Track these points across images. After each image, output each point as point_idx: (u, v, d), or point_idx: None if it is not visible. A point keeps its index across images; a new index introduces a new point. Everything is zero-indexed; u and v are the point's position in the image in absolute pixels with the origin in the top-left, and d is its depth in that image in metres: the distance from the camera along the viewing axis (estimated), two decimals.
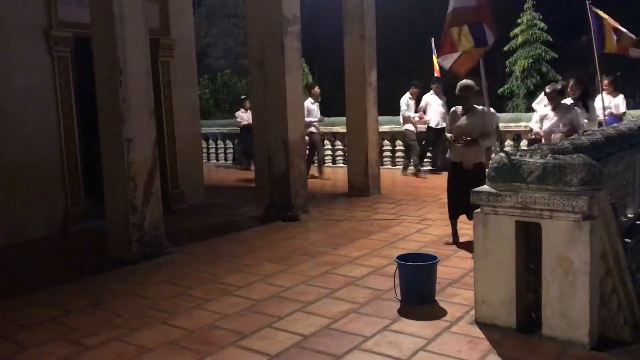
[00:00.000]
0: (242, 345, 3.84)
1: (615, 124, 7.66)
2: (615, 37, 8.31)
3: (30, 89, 7.21)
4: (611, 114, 9.43)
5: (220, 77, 31.77)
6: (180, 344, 3.89)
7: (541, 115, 7.84)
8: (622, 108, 9.56)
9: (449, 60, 4.83)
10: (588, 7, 8.15)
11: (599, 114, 8.54)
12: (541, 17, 28.17)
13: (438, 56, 5.28)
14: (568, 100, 7.81)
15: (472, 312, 4.12)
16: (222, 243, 6.68)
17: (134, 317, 4.41)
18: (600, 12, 8.36)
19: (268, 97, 7.83)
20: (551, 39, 27.95)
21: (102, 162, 6.18)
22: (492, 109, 6.49)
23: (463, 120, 5.99)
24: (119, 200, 6.01)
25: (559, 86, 7.57)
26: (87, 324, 4.28)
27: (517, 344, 3.71)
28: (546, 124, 7.31)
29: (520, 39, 28.27)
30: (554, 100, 7.33)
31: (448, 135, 6.19)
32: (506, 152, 4.03)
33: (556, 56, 27.82)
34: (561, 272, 3.64)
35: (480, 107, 6.08)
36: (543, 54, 27.91)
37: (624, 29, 8.40)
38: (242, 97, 15.13)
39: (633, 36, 8.48)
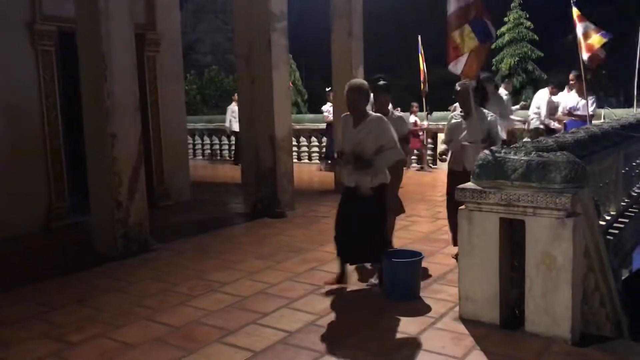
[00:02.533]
0: (227, 341, 3.84)
1: (575, 128, 6.75)
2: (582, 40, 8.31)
3: (13, 84, 7.12)
4: (570, 113, 8.96)
5: (207, 73, 31.64)
6: (165, 341, 3.87)
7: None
8: (590, 109, 8.69)
9: (459, 66, 4.76)
10: (573, 5, 8.21)
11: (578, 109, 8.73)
12: (527, 15, 28.37)
13: (447, 64, 4.99)
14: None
15: (457, 308, 4.15)
16: (208, 239, 6.66)
17: (119, 313, 4.39)
18: (575, 11, 8.36)
19: (255, 93, 7.81)
20: (537, 38, 28.16)
21: (86, 158, 6.13)
22: (398, 113, 5.83)
23: (352, 132, 4.61)
24: (103, 196, 5.97)
25: (469, 84, 5.33)
26: (71, 321, 4.25)
27: (500, 340, 3.74)
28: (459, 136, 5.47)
29: (506, 38, 28.48)
30: (466, 104, 5.35)
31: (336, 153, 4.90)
32: (491, 150, 4.06)
33: (542, 55, 28.03)
34: (544, 269, 3.67)
35: (383, 113, 4.96)
36: (529, 53, 28.13)
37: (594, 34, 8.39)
38: (327, 89, 12.81)
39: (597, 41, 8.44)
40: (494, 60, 28.86)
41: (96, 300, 4.71)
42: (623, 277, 6.77)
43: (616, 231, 6.15)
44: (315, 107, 15.39)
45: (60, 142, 7.64)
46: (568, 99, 9.18)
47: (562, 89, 9.81)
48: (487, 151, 4.06)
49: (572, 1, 8.17)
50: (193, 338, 3.90)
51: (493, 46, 28.43)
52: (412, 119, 11.86)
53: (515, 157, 3.83)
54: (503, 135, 5.30)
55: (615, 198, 6.52)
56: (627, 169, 7.19)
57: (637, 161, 7.89)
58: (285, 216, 7.62)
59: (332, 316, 4.22)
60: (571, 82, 8.98)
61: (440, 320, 4.08)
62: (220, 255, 5.93)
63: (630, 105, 12.13)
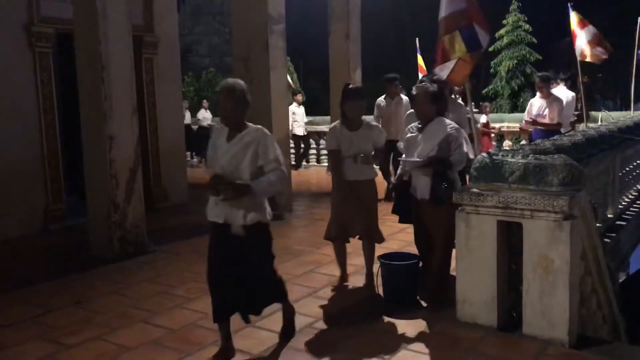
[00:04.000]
0: None
1: (540, 140, 5.87)
2: (585, 40, 8.37)
3: (10, 85, 7.11)
4: (535, 121, 7.77)
5: (204, 75, 31.61)
6: (161, 343, 3.86)
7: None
8: (557, 117, 7.68)
9: (445, 71, 4.74)
10: (570, 9, 8.24)
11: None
12: (526, 18, 28.41)
13: (434, 67, 4.90)
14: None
15: (454, 311, 4.14)
16: (205, 241, 6.57)
17: (115, 316, 4.38)
18: (574, 15, 8.40)
19: (252, 95, 7.75)
20: (535, 41, 28.20)
21: (83, 160, 6.12)
22: (260, 127, 3.51)
23: (224, 147, 3.53)
24: (100, 198, 5.96)
25: (429, 87, 4.41)
26: (68, 323, 4.24)
27: (497, 343, 3.74)
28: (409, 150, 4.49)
29: (505, 40, 28.49)
30: (424, 111, 4.39)
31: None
32: (488, 152, 4.06)
33: (540, 58, 28.07)
34: (542, 272, 3.67)
35: (355, 122, 4.66)
36: (527, 55, 28.14)
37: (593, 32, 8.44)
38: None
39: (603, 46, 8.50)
40: (492, 62, 28.88)
41: (93, 302, 4.70)
42: (620, 280, 6.77)
43: (613, 234, 6.15)
44: (313, 109, 15.40)
45: (58, 144, 7.62)
46: (534, 105, 7.99)
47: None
48: (484, 153, 4.06)
49: (569, 5, 8.19)
50: (190, 340, 3.89)
51: (491, 49, 28.49)
52: (484, 119, 11.57)
53: (513, 159, 3.84)
54: (470, 152, 4.30)
55: (612, 200, 6.52)
56: (624, 171, 7.20)
57: (634, 164, 7.90)
58: (282, 218, 7.60)
59: (329, 319, 4.21)
60: (537, 86, 7.99)
61: (437, 323, 4.07)
62: None
63: (627, 108, 12.16)
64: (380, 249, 5.58)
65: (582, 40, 8.41)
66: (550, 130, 7.44)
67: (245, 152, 3.44)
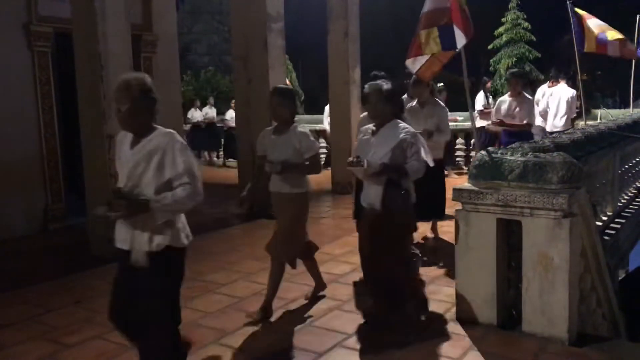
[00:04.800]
0: (224, 343, 3.83)
1: (513, 144, 4.77)
2: (598, 38, 8.37)
3: (9, 85, 7.10)
4: (502, 122, 7.23)
5: (203, 74, 31.60)
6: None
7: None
8: (533, 118, 7.35)
9: (416, 64, 4.80)
10: (569, 6, 8.23)
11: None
12: (525, 16, 28.42)
13: (407, 58, 4.91)
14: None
15: (454, 309, 4.15)
16: (205, 241, 6.64)
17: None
18: (580, 11, 8.43)
19: (252, 94, 7.81)
20: (535, 39, 28.22)
21: (83, 159, 6.11)
22: (170, 131, 2.87)
23: (127, 156, 2.97)
24: (100, 198, 5.94)
25: (385, 85, 3.90)
26: (68, 323, 4.24)
27: (497, 341, 3.75)
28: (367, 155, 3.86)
29: (504, 38, 28.52)
30: (378, 112, 3.91)
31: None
32: (487, 150, 4.06)
33: (539, 55, 28.09)
34: (541, 269, 3.68)
35: (283, 125, 4.22)
36: (527, 53, 28.18)
37: (604, 25, 8.46)
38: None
39: (619, 35, 8.52)
40: (491, 61, 28.90)
41: (93, 302, 4.69)
42: (620, 278, 6.78)
43: (613, 231, 6.16)
44: (312, 108, 15.43)
45: (57, 144, 7.62)
46: (503, 104, 7.41)
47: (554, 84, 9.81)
48: (483, 151, 4.06)
49: (568, 2, 8.19)
50: (190, 339, 3.88)
51: (491, 47, 28.54)
52: (481, 100, 11.43)
53: (512, 157, 3.84)
54: (429, 159, 3.81)
55: (611, 198, 6.53)
56: (623, 169, 7.21)
57: (634, 161, 7.90)
58: None
59: (329, 317, 4.21)
60: (509, 83, 7.46)
61: (437, 321, 4.08)
62: (217, 256, 5.91)
63: (627, 106, 12.16)
64: None
65: (593, 33, 8.40)
66: (520, 131, 6.92)
67: (148, 161, 2.83)
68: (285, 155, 4.12)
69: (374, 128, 3.91)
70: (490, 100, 10.69)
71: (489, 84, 11.42)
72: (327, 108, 11.02)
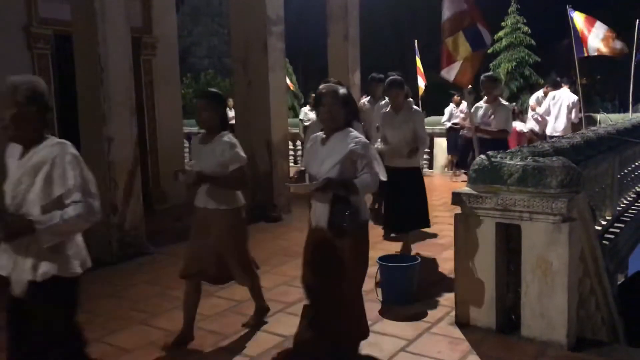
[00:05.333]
0: (222, 346, 3.83)
1: (516, 148, 4.97)
2: (599, 37, 8.37)
3: None
4: (478, 128, 6.42)
5: (203, 76, 31.61)
6: (160, 345, 3.85)
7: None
8: (510, 125, 6.85)
9: (452, 72, 4.74)
10: (568, 11, 8.25)
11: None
12: (525, 21, 28.45)
13: (440, 70, 4.89)
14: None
15: (453, 313, 4.15)
16: None
17: (114, 317, 4.37)
18: (579, 15, 8.44)
19: (251, 97, 7.81)
20: (534, 43, 28.24)
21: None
22: (61, 141, 2.59)
23: (13, 169, 2.63)
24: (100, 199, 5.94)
25: (341, 89, 3.45)
26: None
27: (496, 345, 3.74)
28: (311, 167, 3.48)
29: (504, 42, 28.52)
30: (330, 118, 3.39)
31: None
32: (487, 155, 4.06)
33: (539, 59, 28.11)
34: (540, 274, 3.68)
35: (208, 132, 3.86)
36: (526, 58, 28.19)
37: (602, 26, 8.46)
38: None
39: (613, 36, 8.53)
40: (491, 65, 28.91)
41: (91, 304, 4.68)
42: (619, 282, 6.78)
43: (612, 236, 6.16)
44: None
45: None
46: (478, 110, 6.87)
47: (556, 88, 9.84)
48: (483, 156, 4.06)
49: (568, 7, 8.21)
50: (188, 342, 3.88)
51: (490, 51, 28.51)
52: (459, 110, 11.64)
53: (511, 161, 3.84)
54: (381, 173, 3.36)
55: (611, 202, 6.53)
56: (622, 173, 7.21)
57: (633, 165, 7.91)
58: (281, 220, 7.61)
59: None
60: (484, 88, 6.82)
61: (436, 325, 4.07)
62: None
63: (626, 110, 12.17)
64: (379, 251, 5.57)
65: (596, 37, 8.40)
66: (496, 139, 6.45)
67: (33, 176, 2.46)
68: (208, 166, 3.74)
69: (324, 136, 3.43)
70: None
71: (458, 98, 11.54)
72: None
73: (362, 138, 3.36)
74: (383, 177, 3.38)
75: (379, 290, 4.60)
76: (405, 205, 5.44)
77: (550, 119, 9.56)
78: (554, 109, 9.51)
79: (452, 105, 11.54)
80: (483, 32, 4.59)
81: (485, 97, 6.83)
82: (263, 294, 4.24)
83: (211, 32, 38.46)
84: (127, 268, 5.68)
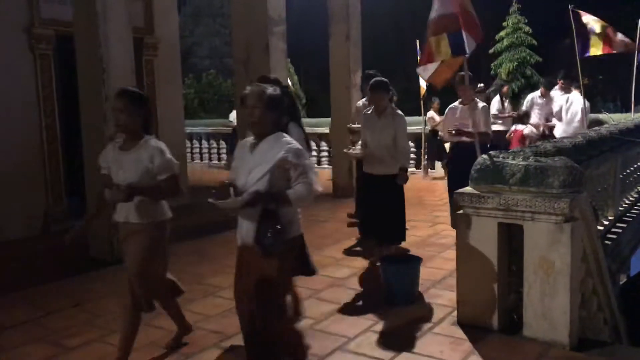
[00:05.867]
0: (224, 346, 3.83)
1: (517, 149, 4.95)
2: (603, 35, 8.35)
3: (11, 87, 7.11)
4: (460, 132, 6.11)
5: (204, 77, 31.65)
6: (161, 345, 3.85)
7: None
8: (483, 125, 6.14)
9: (427, 72, 4.81)
10: (570, 11, 8.23)
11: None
12: (526, 20, 28.44)
13: (417, 67, 4.91)
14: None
15: (455, 313, 4.14)
16: (205, 244, 6.65)
17: (115, 318, 4.35)
18: (583, 14, 8.42)
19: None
20: (536, 43, 28.24)
21: (84, 162, 6.12)
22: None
23: None
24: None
25: (269, 89, 3.08)
26: (68, 325, 4.24)
27: (498, 345, 3.74)
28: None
29: (505, 42, 28.52)
30: (258, 122, 3.05)
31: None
32: (489, 154, 4.06)
33: (540, 60, 28.10)
34: (542, 274, 3.67)
35: (130, 136, 3.43)
36: (528, 58, 28.18)
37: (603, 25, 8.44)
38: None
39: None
40: (492, 65, 28.91)
41: (93, 304, 4.69)
42: (621, 282, 6.76)
43: (614, 236, 6.15)
44: (313, 112, 15.45)
45: (58, 146, 7.63)
46: (454, 112, 6.43)
47: (550, 89, 9.80)
48: (485, 155, 4.05)
49: (570, 6, 8.19)
50: (190, 342, 3.88)
51: (492, 51, 28.54)
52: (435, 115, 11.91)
53: (514, 161, 3.83)
54: (317, 184, 3.04)
55: (613, 202, 6.52)
56: (625, 173, 7.20)
57: (635, 165, 7.90)
58: None
59: (330, 321, 4.21)
60: (460, 89, 6.28)
61: (438, 325, 4.07)
62: (218, 259, 5.91)
63: (628, 110, 12.15)
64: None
65: (600, 36, 8.37)
66: (479, 142, 5.64)
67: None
68: (132, 176, 3.32)
69: (253, 141, 3.06)
70: (506, 104, 10.80)
71: (505, 89, 11.54)
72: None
73: (295, 144, 3.00)
74: (318, 189, 3.03)
75: (382, 290, 4.60)
76: (381, 215, 5.28)
77: (563, 121, 9.42)
78: (570, 112, 9.41)
79: (431, 111, 11.86)
80: (467, 39, 4.57)
81: (461, 99, 6.30)
82: (183, 313, 3.88)
83: (213, 32, 38.48)
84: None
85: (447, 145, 11.90)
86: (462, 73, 5.65)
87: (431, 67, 4.75)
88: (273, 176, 2.93)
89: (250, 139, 3.10)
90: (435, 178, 11.39)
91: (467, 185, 4.06)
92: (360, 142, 5.66)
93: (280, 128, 3.08)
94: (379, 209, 5.31)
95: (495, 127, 10.21)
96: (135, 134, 3.40)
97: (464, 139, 6.01)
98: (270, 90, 3.03)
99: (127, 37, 6.04)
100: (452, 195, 5.30)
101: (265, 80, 3.91)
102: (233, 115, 14.47)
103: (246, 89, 3.12)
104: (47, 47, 7.46)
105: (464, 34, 4.54)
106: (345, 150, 5.94)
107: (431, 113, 11.98)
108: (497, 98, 10.89)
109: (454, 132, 6.12)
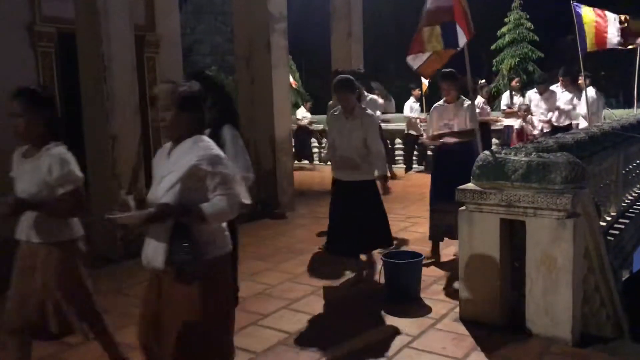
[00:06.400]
0: None
1: (519, 144, 4.99)
2: (606, 33, 8.31)
3: (12, 85, 7.09)
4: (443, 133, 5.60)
5: None
6: None
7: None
8: (468, 122, 5.51)
9: (417, 61, 4.77)
10: (573, 7, 8.21)
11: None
12: (528, 16, 28.39)
13: (407, 55, 4.84)
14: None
15: (457, 309, 4.15)
16: None
17: (119, 315, 4.37)
18: (587, 9, 8.39)
19: (255, 94, 7.81)
20: (537, 39, 28.18)
21: (86, 160, 6.12)
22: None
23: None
24: (103, 198, 5.96)
25: (182, 87, 2.65)
26: None
27: (501, 341, 3.74)
28: None
29: (507, 38, 28.48)
30: (169, 124, 2.67)
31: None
32: (491, 150, 4.05)
33: (542, 55, 28.04)
34: (545, 270, 3.67)
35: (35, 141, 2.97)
36: (529, 53, 28.14)
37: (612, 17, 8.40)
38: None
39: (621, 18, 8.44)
40: (494, 61, 28.87)
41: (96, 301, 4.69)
42: (623, 278, 6.75)
43: (617, 232, 6.14)
44: (314, 109, 15.44)
45: None
46: (437, 111, 5.85)
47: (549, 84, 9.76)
48: (487, 151, 4.04)
49: (572, 2, 8.16)
50: None
51: (494, 47, 28.51)
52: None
53: (516, 157, 3.83)
54: (244, 196, 2.63)
55: (615, 198, 6.51)
56: (627, 169, 7.19)
57: (638, 161, 7.88)
58: (285, 217, 7.62)
59: (332, 317, 4.21)
60: (443, 88, 5.75)
61: (440, 321, 4.07)
62: None
63: (630, 106, 12.13)
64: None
65: (614, 29, 8.33)
66: (462, 142, 5.48)
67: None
68: (29, 187, 2.90)
69: (171, 146, 2.67)
70: (515, 99, 10.73)
71: (514, 82, 11.48)
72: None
73: (213, 150, 2.57)
74: (246, 201, 2.62)
75: (383, 287, 4.61)
76: (358, 225, 4.76)
77: (583, 119, 9.34)
78: (591, 108, 9.37)
79: (412, 99, 11.41)
80: (459, 32, 4.56)
81: (445, 98, 5.73)
82: (117, 343, 3.41)
83: (214, 29, 38.43)
84: (131, 265, 5.67)
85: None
86: (446, 70, 5.41)
87: (422, 57, 4.72)
88: (185, 186, 2.50)
89: (169, 143, 2.69)
90: None
91: (453, 197, 3.99)
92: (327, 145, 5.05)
93: (200, 130, 2.64)
94: (355, 219, 4.77)
95: (506, 122, 10.25)
96: (38, 141, 2.93)
97: (447, 139, 5.51)
98: (184, 87, 2.61)
99: (129, 35, 6.04)
100: (440, 204, 5.18)
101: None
102: (301, 113, 14.35)
103: (155, 87, 2.87)
104: (49, 45, 7.46)
105: (457, 26, 4.53)
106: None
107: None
108: (506, 93, 10.87)
109: (438, 132, 5.60)
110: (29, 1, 7.26)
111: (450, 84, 5.58)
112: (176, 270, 2.46)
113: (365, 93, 7.54)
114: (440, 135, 5.56)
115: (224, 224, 2.65)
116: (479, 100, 10.85)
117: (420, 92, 11.47)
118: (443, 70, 5.52)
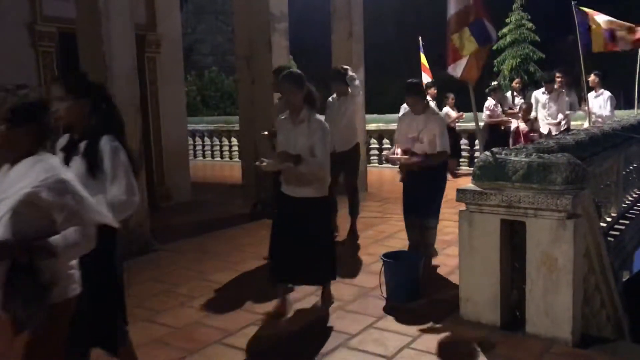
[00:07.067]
0: (227, 342, 3.83)
1: (520, 145, 4.80)
2: (607, 35, 8.32)
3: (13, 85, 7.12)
4: (413, 153, 5.04)
5: (207, 74, 31.63)
6: (165, 342, 3.87)
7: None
8: (445, 141, 5.07)
9: (458, 69, 4.68)
10: (573, 7, 8.22)
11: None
12: (529, 17, 28.41)
13: (447, 67, 4.71)
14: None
15: (457, 309, 4.14)
16: (209, 240, 6.66)
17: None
18: (587, 11, 8.40)
19: (255, 94, 7.81)
20: (539, 39, 28.20)
21: None
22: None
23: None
24: None
25: (25, 97, 2.37)
26: None
27: (501, 342, 3.74)
28: None
29: (508, 39, 28.51)
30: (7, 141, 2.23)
31: None
32: (492, 151, 4.05)
33: (543, 56, 28.05)
34: (545, 270, 3.67)
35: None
36: (531, 54, 28.16)
37: (615, 21, 8.42)
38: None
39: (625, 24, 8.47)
40: (495, 61, 28.88)
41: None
42: (624, 279, 6.76)
43: (617, 232, 6.15)
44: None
45: None
46: (404, 125, 5.34)
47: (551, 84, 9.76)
48: (487, 152, 4.04)
49: (573, 2, 8.17)
50: (193, 339, 3.89)
51: (495, 47, 28.50)
52: (451, 112, 11.65)
53: (516, 158, 3.83)
54: (112, 221, 2.35)
55: (616, 199, 6.51)
56: (628, 169, 7.19)
57: (638, 162, 7.88)
58: None
59: (332, 318, 4.21)
60: (408, 103, 5.27)
61: (441, 322, 4.07)
62: (221, 256, 5.92)
63: (631, 107, 12.12)
64: (383, 248, 5.57)
65: (622, 32, 8.35)
66: (429, 167, 5.02)
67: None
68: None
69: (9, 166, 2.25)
70: (517, 100, 10.71)
71: (515, 83, 11.44)
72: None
73: (57, 174, 2.12)
74: (114, 224, 2.34)
75: (383, 287, 4.60)
76: (300, 250, 4.07)
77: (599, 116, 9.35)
78: (608, 108, 9.39)
79: (447, 107, 11.33)
80: (489, 27, 4.55)
81: (413, 110, 5.19)
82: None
83: (215, 29, 38.50)
84: (132, 265, 5.64)
85: (463, 142, 11.75)
86: (409, 81, 5.11)
87: (461, 63, 4.65)
88: (19, 218, 2.05)
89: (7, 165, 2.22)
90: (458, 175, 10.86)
91: (421, 210, 4.21)
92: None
93: (42, 144, 2.22)
94: (297, 243, 4.08)
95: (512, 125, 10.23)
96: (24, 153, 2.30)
97: (413, 162, 5.01)
98: (15, 99, 2.20)
99: (130, 35, 6.04)
100: (407, 217, 5.27)
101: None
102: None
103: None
104: (50, 44, 7.47)
105: (485, 22, 4.50)
106: (257, 162, 4.15)
107: (446, 109, 11.38)
108: (508, 94, 10.87)
109: (399, 156, 5.11)
110: (30, 1, 7.26)
111: (415, 98, 5.11)
112: (17, 321, 2.05)
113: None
114: (409, 164, 5.06)
115: (74, 261, 2.24)
116: (490, 102, 10.84)
117: (454, 100, 11.21)
118: (410, 80, 5.24)
